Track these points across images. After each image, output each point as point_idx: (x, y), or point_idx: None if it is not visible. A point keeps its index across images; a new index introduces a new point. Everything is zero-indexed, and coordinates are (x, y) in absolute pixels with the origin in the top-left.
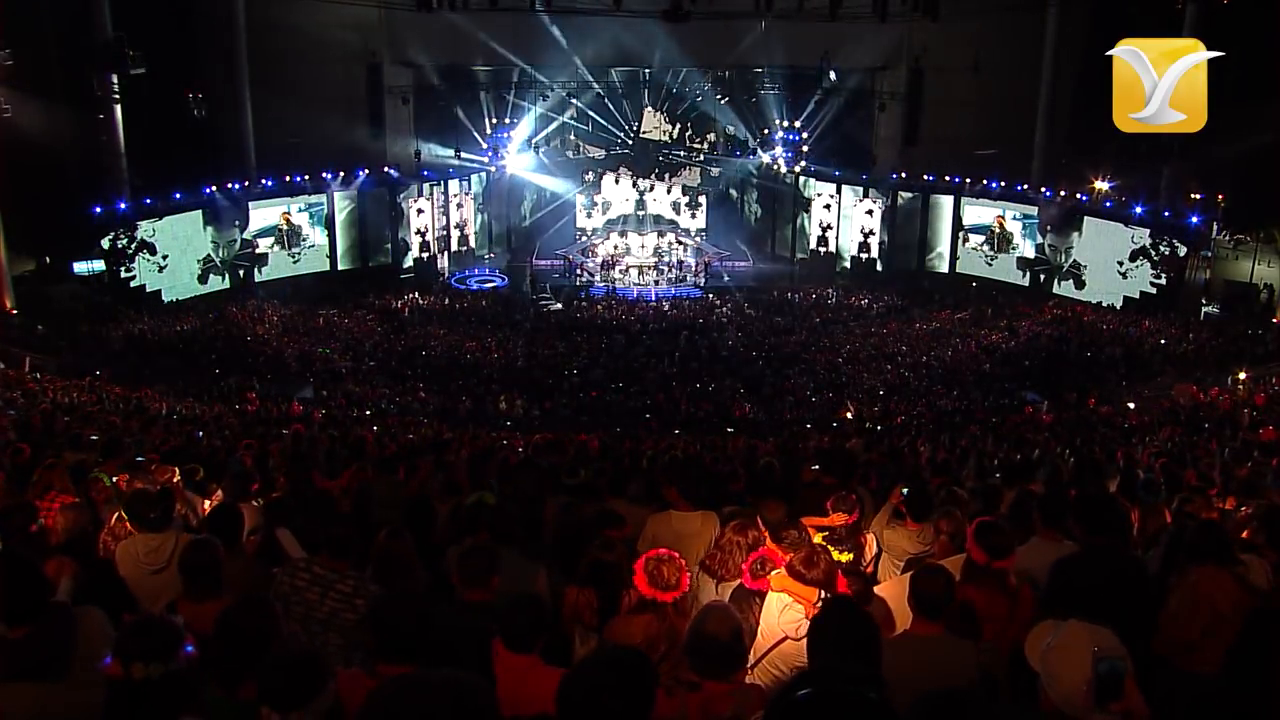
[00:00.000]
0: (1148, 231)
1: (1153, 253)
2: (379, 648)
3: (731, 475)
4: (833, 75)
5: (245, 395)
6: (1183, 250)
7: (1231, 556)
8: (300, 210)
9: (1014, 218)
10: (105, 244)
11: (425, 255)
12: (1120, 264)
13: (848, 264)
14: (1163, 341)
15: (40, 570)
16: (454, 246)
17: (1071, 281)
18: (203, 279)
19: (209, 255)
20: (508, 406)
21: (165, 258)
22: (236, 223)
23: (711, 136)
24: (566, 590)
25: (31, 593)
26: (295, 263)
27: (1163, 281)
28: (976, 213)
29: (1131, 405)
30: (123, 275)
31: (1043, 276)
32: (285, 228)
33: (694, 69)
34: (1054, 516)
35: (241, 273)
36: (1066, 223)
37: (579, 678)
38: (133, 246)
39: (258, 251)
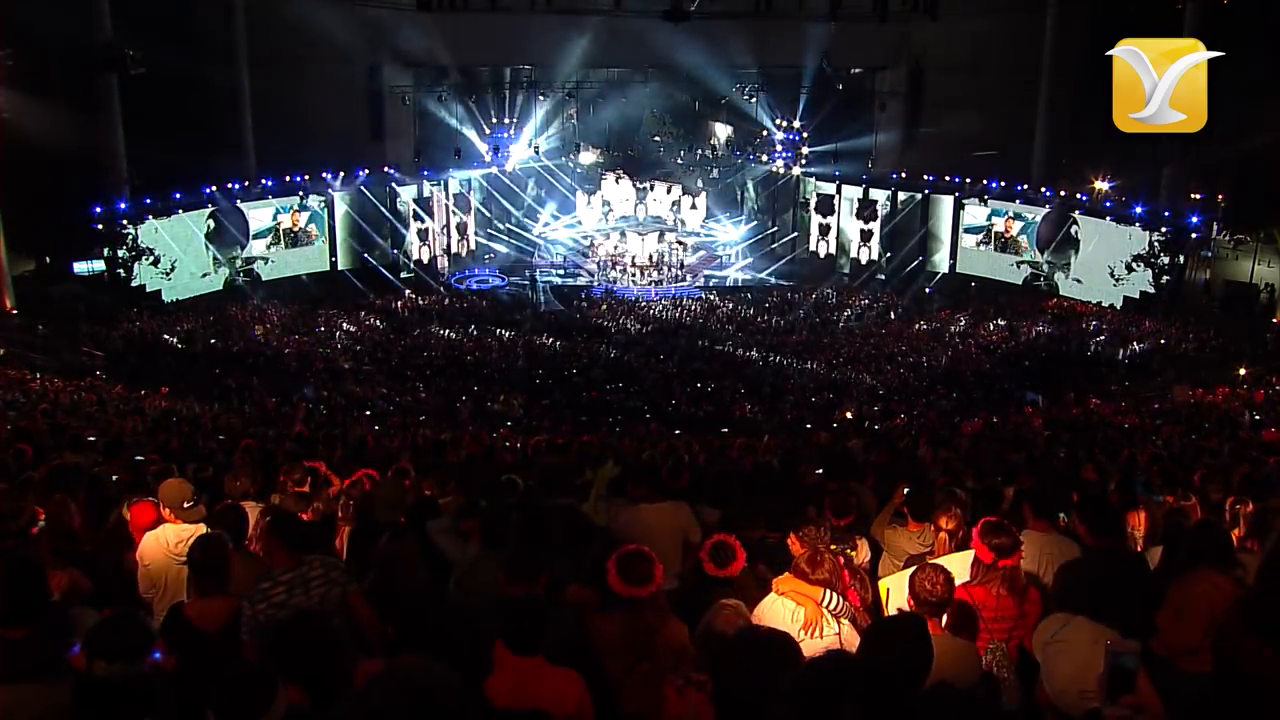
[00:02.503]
0: (1147, 235)
1: (1150, 259)
2: (400, 640)
3: (731, 473)
4: (832, 75)
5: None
6: (1181, 260)
7: (1231, 559)
8: (299, 210)
9: (1015, 217)
10: (105, 255)
11: (425, 255)
12: (1112, 271)
13: (847, 264)
14: (1163, 342)
15: (39, 572)
16: (454, 247)
17: (1072, 280)
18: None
19: (208, 271)
20: (507, 406)
21: (175, 265)
22: (239, 243)
23: (712, 138)
24: (569, 588)
25: (30, 594)
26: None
27: (1161, 285)
28: (975, 213)
29: (1123, 404)
30: (122, 277)
31: (1041, 282)
32: (291, 229)
33: (695, 69)
34: (1044, 508)
35: (241, 277)
36: (1064, 238)
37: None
38: (133, 255)
39: (256, 256)
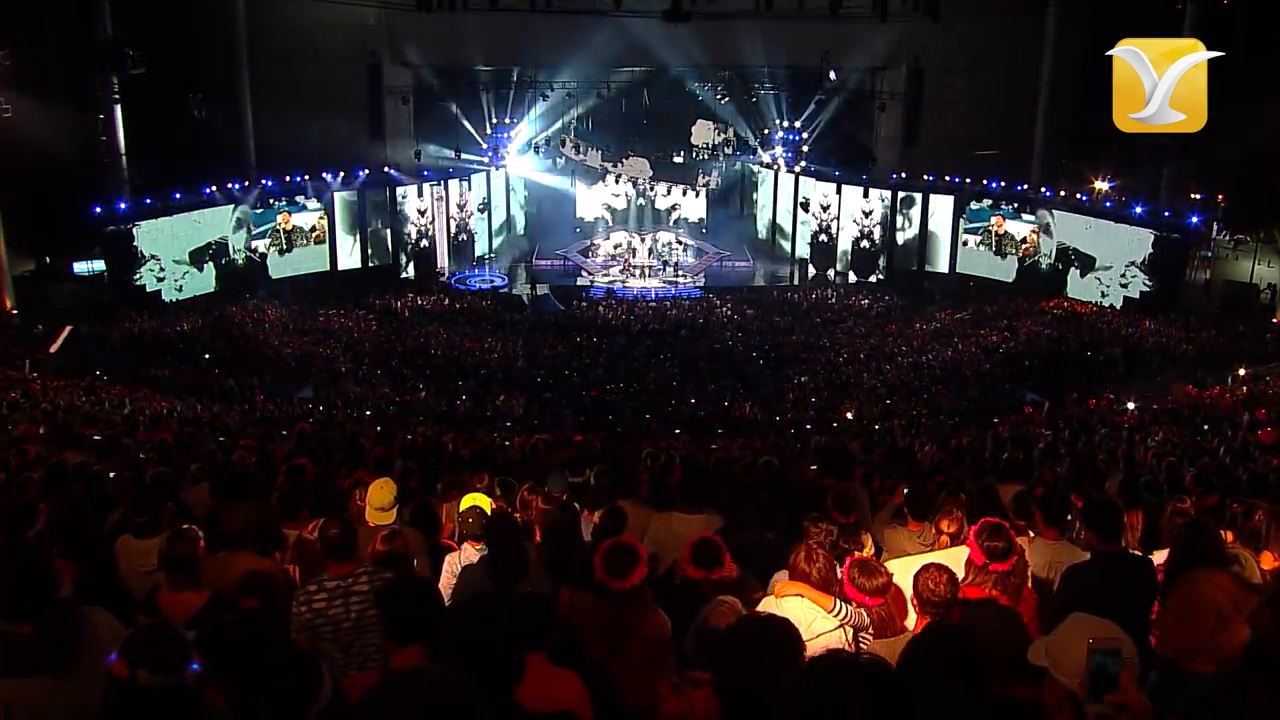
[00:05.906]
0: (1149, 235)
1: (1145, 266)
2: (390, 632)
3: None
4: (833, 75)
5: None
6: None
7: (1223, 556)
8: (299, 210)
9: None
10: (104, 257)
11: (425, 256)
12: (1101, 281)
13: (848, 265)
14: (1164, 341)
15: (47, 567)
16: (454, 247)
17: (1077, 271)
18: (199, 265)
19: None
20: (507, 406)
21: (183, 275)
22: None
23: (711, 138)
24: (560, 592)
25: (37, 589)
26: (289, 259)
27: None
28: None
29: (1131, 405)
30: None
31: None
32: (284, 229)
33: (694, 69)
34: (1055, 516)
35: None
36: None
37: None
38: (131, 262)
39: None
